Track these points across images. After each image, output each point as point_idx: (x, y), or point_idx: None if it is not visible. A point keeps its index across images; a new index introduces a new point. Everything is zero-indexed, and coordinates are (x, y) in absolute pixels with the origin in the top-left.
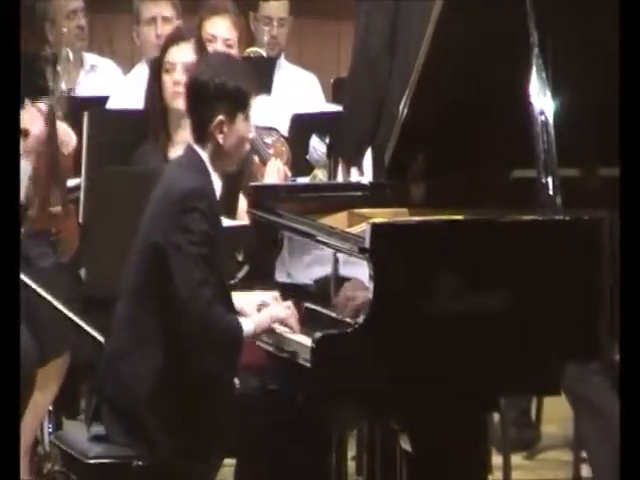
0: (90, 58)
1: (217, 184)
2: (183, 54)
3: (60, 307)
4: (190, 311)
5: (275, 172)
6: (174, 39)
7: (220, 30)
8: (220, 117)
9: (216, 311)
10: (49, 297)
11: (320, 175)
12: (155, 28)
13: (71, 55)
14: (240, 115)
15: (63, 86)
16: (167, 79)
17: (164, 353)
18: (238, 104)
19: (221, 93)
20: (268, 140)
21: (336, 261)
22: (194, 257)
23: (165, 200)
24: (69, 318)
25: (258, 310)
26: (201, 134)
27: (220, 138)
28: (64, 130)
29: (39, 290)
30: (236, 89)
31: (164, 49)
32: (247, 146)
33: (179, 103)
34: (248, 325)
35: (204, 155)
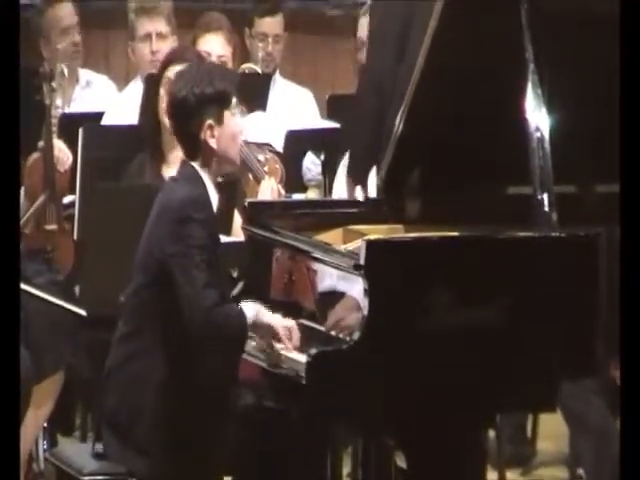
0: (85, 74)
1: (214, 197)
2: None
3: (57, 301)
4: (197, 312)
5: (269, 191)
6: (177, 58)
7: (214, 47)
8: (208, 122)
9: (220, 310)
10: (44, 295)
11: (313, 195)
12: (150, 44)
13: (66, 71)
14: (227, 113)
15: (59, 102)
16: (164, 94)
17: (165, 365)
18: (222, 104)
19: (203, 101)
20: (261, 157)
21: (331, 277)
22: (196, 262)
23: (162, 213)
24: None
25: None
26: (192, 148)
27: (212, 142)
28: (60, 148)
29: (35, 291)
30: (216, 92)
31: (165, 65)
32: (240, 140)
33: None
34: (249, 310)
35: (199, 168)
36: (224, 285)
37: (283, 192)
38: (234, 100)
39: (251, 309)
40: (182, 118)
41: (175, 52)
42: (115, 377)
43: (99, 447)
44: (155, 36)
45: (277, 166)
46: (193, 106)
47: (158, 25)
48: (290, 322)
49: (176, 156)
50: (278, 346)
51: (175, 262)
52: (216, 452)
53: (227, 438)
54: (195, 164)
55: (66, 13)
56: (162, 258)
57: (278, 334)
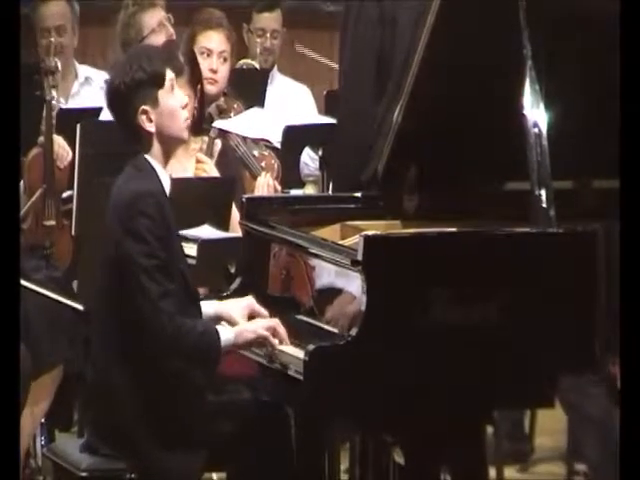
0: (84, 70)
1: (166, 182)
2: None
3: (55, 296)
4: (155, 326)
5: (265, 187)
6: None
7: (215, 44)
8: (142, 107)
9: (183, 322)
10: (43, 290)
11: (311, 191)
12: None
13: (59, 66)
14: (161, 92)
15: (54, 95)
16: None
17: (137, 370)
18: (153, 85)
19: (135, 87)
20: (256, 152)
21: (329, 273)
22: (149, 270)
23: (114, 210)
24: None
25: (249, 318)
26: (133, 136)
27: (150, 127)
28: (60, 144)
29: (33, 287)
30: (148, 76)
31: None
32: (184, 113)
33: None
34: (227, 334)
35: (148, 156)
36: (186, 278)
37: (279, 188)
38: (168, 77)
39: (229, 332)
40: (118, 108)
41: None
42: (96, 383)
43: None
44: (162, 29)
45: (273, 162)
46: (126, 94)
47: (162, 18)
48: (272, 321)
49: (178, 153)
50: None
51: (129, 269)
52: (203, 447)
53: (211, 433)
54: (144, 153)
55: (53, 12)
56: (116, 256)
57: (266, 339)
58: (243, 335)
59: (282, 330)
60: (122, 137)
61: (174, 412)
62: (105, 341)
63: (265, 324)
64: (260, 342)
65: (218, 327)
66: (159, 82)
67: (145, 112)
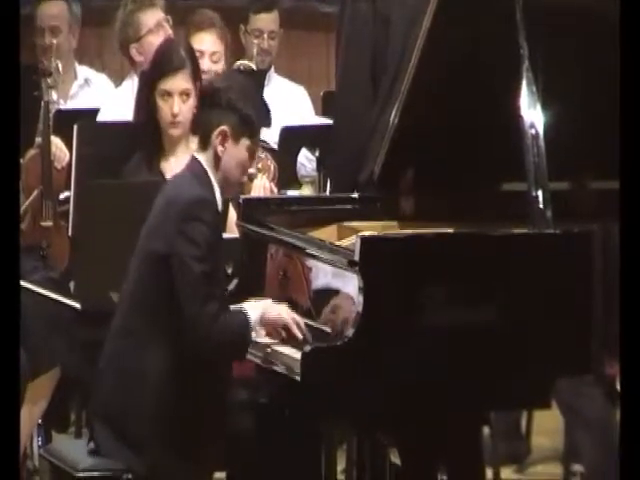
0: (83, 71)
1: (219, 196)
2: (178, 82)
3: (52, 295)
4: (196, 327)
5: (261, 189)
6: (168, 53)
7: (207, 45)
8: (224, 127)
9: (222, 321)
10: (40, 289)
11: (308, 191)
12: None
13: (60, 67)
14: (245, 139)
15: (54, 97)
16: (164, 107)
17: (160, 361)
18: (244, 127)
19: (230, 107)
20: None
21: (325, 274)
22: (198, 274)
23: (168, 208)
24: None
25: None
26: (204, 142)
27: (219, 150)
28: (58, 145)
29: (30, 287)
30: (246, 113)
31: (158, 62)
32: (244, 177)
33: (174, 132)
34: (254, 312)
35: (206, 165)
36: (223, 284)
37: (275, 190)
38: (257, 136)
39: (256, 309)
40: (206, 107)
41: (164, 49)
42: (109, 372)
43: (93, 445)
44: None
45: (269, 163)
46: (220, 103)
47: (162, 17)
48: (295, 314)
49: (178, 152)
50: (268, 340)
51: (178, 269)
52: (210, 447)
53: (221, 433)
54: (204, 162)
55: (48, 12)
56: (164, 253)
57: (287, 325)
58: (270, 314)
59: (303, 325)
60: (199, 142)
61: (190, 412)
62: (131, 335)
63: (291, 314)
64: (279, 327)
65: (245, 307)
66: (248, 127)
67: (224, 134)
